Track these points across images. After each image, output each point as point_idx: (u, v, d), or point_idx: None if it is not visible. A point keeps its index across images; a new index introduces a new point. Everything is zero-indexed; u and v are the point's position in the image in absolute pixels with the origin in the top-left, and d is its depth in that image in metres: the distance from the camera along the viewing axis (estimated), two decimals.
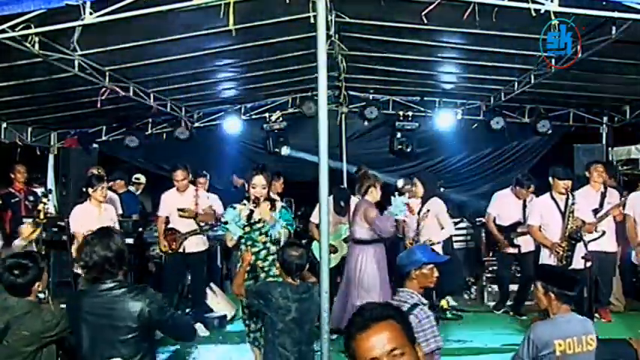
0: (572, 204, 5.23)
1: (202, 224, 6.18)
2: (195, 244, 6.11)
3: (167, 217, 6.13)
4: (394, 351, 1.54)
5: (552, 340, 3.10)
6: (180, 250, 6.06)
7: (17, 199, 6.74)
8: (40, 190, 7.03)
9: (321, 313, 3.60)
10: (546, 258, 5.34)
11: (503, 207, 6.66)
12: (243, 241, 4.36)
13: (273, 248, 4.32)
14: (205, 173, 7.25)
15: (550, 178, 5.41)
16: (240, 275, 4.02)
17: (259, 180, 4.40)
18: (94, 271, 2.77)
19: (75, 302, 2.86)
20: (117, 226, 5.71)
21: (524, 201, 6.51)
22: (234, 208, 4.39)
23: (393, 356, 1.54)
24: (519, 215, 6.51)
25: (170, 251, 6.09)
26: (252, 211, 4.33)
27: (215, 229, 6.56)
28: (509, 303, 6.72)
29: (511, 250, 6.52)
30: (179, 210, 6.04)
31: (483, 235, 7.38)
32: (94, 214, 5.50)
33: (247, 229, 4.34)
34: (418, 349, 1.62)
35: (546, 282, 3.29)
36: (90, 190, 5.50)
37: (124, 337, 2.70)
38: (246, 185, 4.55)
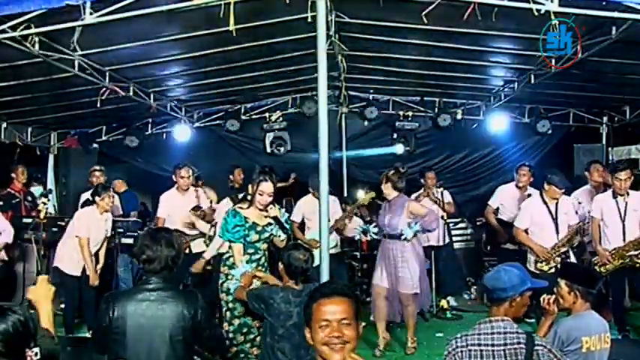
0: (584, 222, 5.27)
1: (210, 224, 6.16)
2: (199, 245, 6.07)
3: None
4: (343, 320, 1.94)
5: (580, 337, 3.13)
6: (187, 251, 5.97)
7: (18, 199, 6.77)
8: (38, 189, 7.03)
9: None
10: (532, 263, 5.26)
11: (506, 200, 6.66)
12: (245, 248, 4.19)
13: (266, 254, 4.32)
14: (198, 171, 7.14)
15: (545, 183, 5.32)
16: (241, 293, 3.84)
17: (268, 187, 4.15)
18: (154, 266, 2.77)
19: (117, 303, 2.75)
20: (108, 234, 5.85)
21: (528, 196, 6.51)
22: (236, 212, 4.21)
23: (342, 324, 1.93)
24: None
25: None
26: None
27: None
28: None
29: (510, 246, 6.46)
30: (192, 210, 6.01)
31: (484, 234, 7.36)
32: (100, 222, 5.65)
33: (256, 237, 4.21)
34: (359, 326, 2.01)
35: (571, 280, 3.28)
36: (97, 198, 5.61)
37: (177, 338, 2.70)
38: (250, 188, 4.30)
